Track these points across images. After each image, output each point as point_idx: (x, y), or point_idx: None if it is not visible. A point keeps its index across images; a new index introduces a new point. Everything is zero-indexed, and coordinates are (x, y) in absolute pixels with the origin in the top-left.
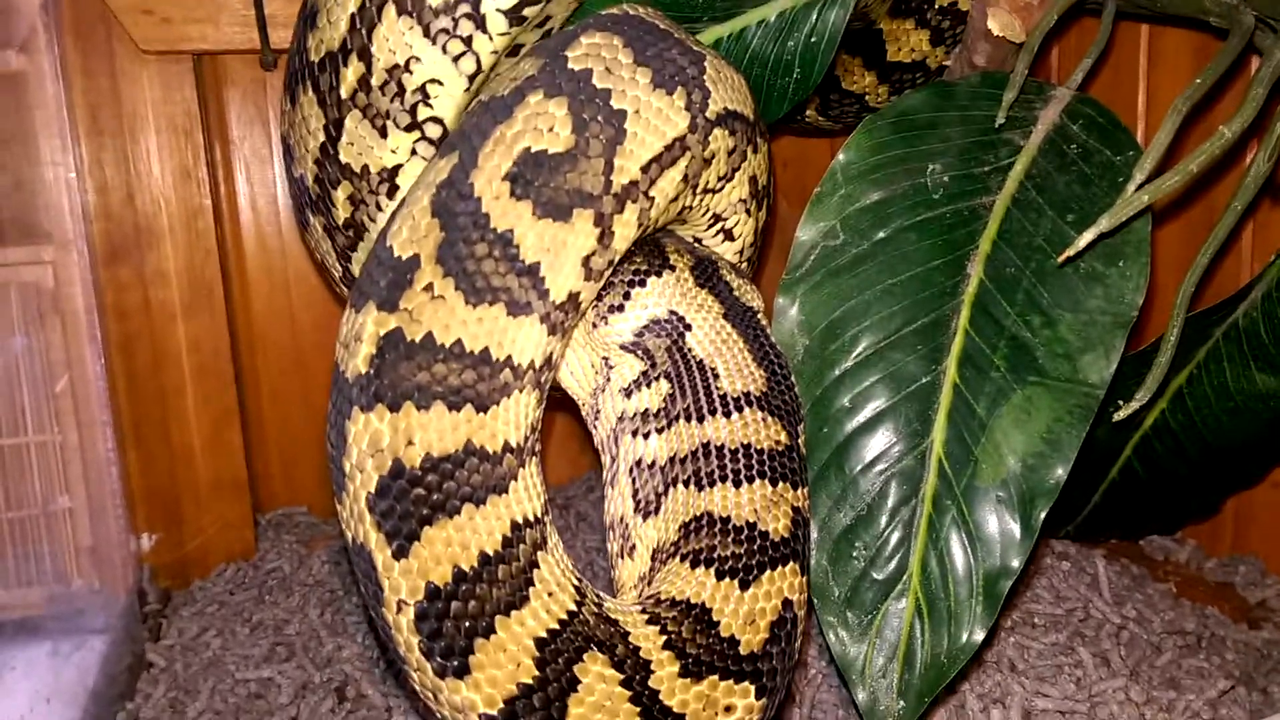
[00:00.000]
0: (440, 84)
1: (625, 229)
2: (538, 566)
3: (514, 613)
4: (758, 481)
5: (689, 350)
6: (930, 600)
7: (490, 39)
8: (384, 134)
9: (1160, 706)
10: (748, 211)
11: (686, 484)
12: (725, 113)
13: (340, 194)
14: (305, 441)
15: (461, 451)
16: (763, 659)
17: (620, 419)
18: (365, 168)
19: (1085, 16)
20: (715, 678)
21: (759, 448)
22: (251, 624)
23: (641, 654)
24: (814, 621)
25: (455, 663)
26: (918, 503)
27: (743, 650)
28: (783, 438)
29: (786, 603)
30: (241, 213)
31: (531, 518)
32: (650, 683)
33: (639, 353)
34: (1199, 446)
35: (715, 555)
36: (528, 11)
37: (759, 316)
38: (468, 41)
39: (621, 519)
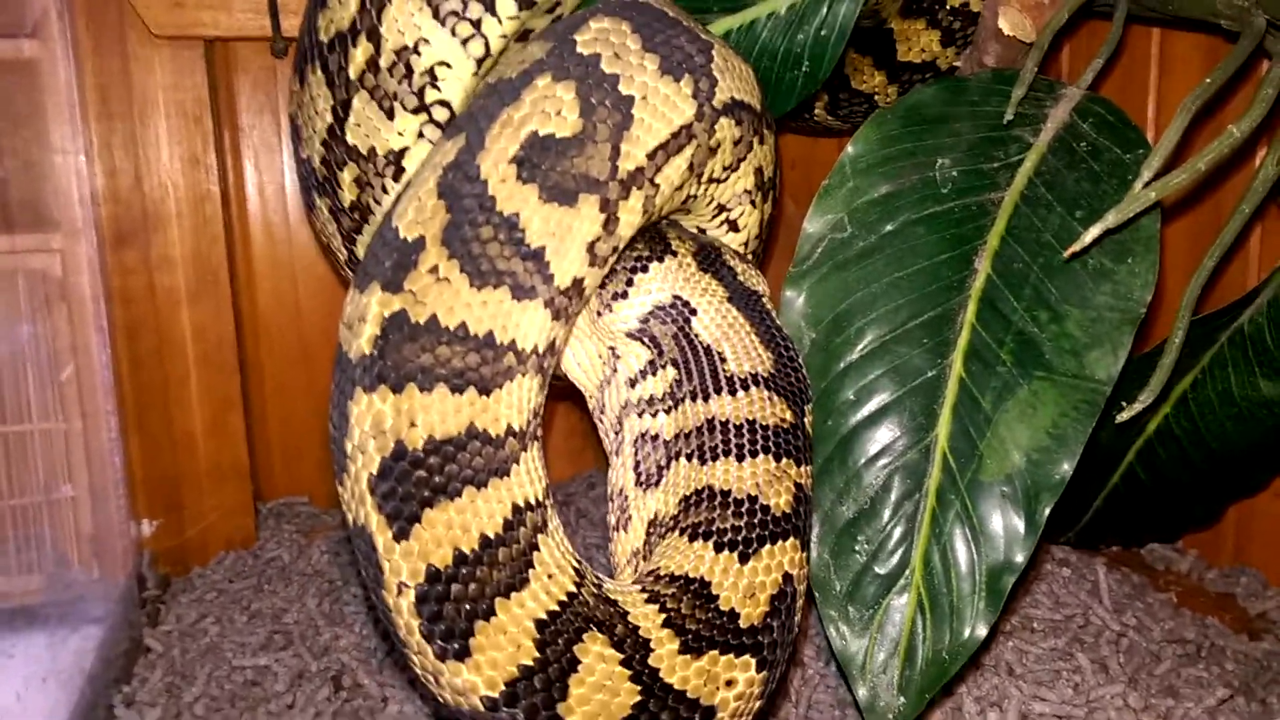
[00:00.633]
0: (448, 67)
1: (630, 215)
2: (538, 549)
3: (514, 595)
4: (761, 456)
5: (695, 335)
6: (932, 596)
7: (499, 22)
8: (391, 116)
9: (1158, 714)
10: (753, 203)
11: (689, 458)
12: (732, 102)
13: (347, 176)
14: (307, 431)
15: (464, 434)
16: (763, 632)
17: (625, 405)
18: (372, 150)
19: (1096, 18)
20: (715, 652)
21: (764, 424)
22: (250, 612)
23: (641, 633)
24: (812, 620)
25: (456, 645)
26: (921, 497)
27: (743, 623)
28: (788, 416)
29: (787, 577)
30: (249, 200)
31: (533, 501)
32: (650, 661)
33: (645, 340)
34: (1203, 453)
35: (714, 528)
36: None
37: (764, 300)
38: (477, 24)
39: (621, 490)
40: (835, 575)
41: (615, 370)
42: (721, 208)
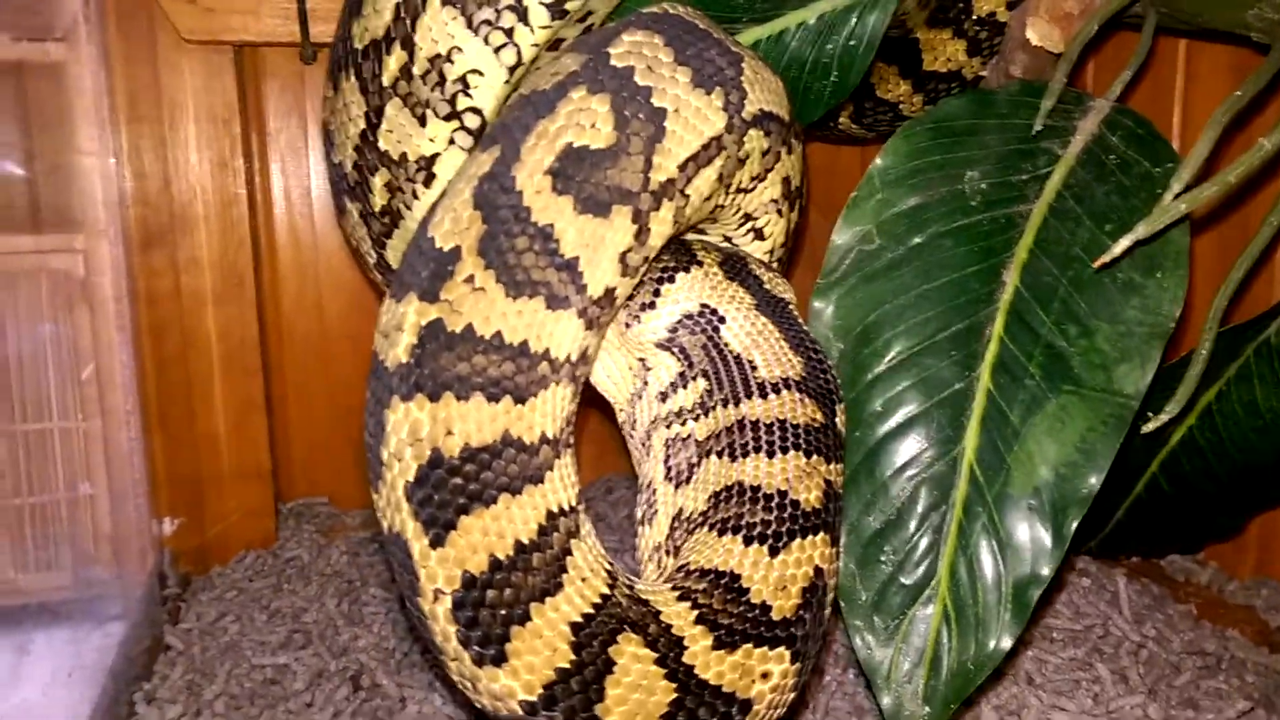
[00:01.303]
0: (481, 74)
1: (661, 226)
2: (571, 554)
3: (549, 599)
4: (791, 453)
5: (725, 345)
6: (958, 606)
7: (532, 31)
8: (423, 122)
9: None
10: (779, 212)
11: (720, 455)
12: (761, 114)
13: (378, 181)
14: (328, 433)
15: (499, 442)
16: (796, 624)
17: (655, 420)
18: (404, 155)
19: (1123, 30)
20: (750, 645)
21: (794, 423)
22: (269, 611)
23: (674, 631)
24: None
25: (493, 650)
26: (948, 509)
27: (775, 616)
28: (819, 416)
29: (818, 570)
30: (275, 204)
31: (566, 507)
32: (684, 658)
33: (675, 351)
34: (1227, 465)
35: (744, 522)
36: (570, 5)
37: (791, 307)
38: (509, 33)
39: (650, 484)
40: (861, 585)
41: (646, 383)
42: (748, 217)
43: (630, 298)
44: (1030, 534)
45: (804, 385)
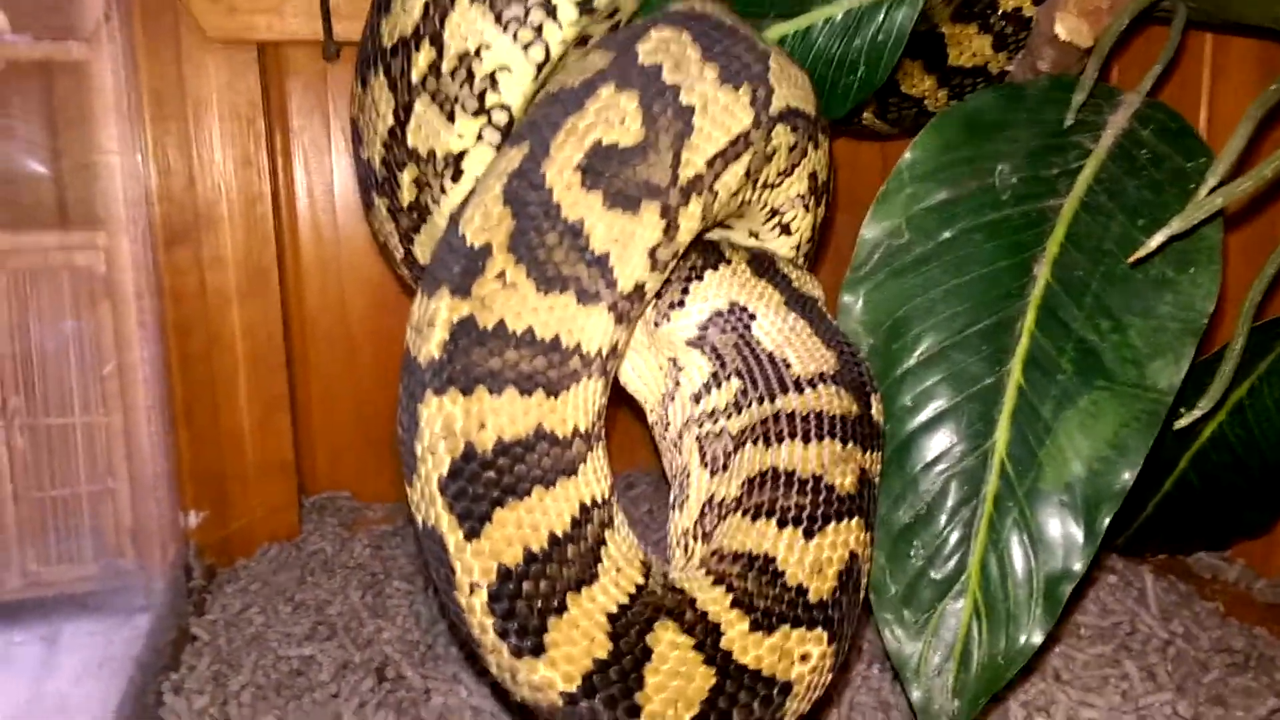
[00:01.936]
0: (509, 71)
1: (689, 221)
2: (605, 544)
3: (584, 590)
4: (827, 440)
5: (757, 343)
6: (989, 601)
7: (560, 28)
8: (451, 119)
9: None
10: (805, 207)
11: (754, 442)
12: (788, 109)
13: (406, 177)
14: (351, 427)
15: (532, 435)
16: (833, 606)
17: (688, 421)
18: (432, 152)
19: (1151, 25)
20: (787, 627)
21: (831, 414)
22: (294, 603)
23: (710, 617)
24: None
25: (530, 642)
26: (978, 503)
27: (812, 598)
28: (855, 408)
29: (853, 554)
30: (299, 201)
31: (599, 499)
32: (722, 644)
33: (706, 350)
34: (1257, 460)
35: (778, 506)
36: (598, 2)
37: (820, 304)
38: (538, 30)
39: (685, 468)
40: (891, 579)
41: (678, 383)
42: (775, 212)
43: (659, 296)
44: (1062, 529)
45: (839, 378)
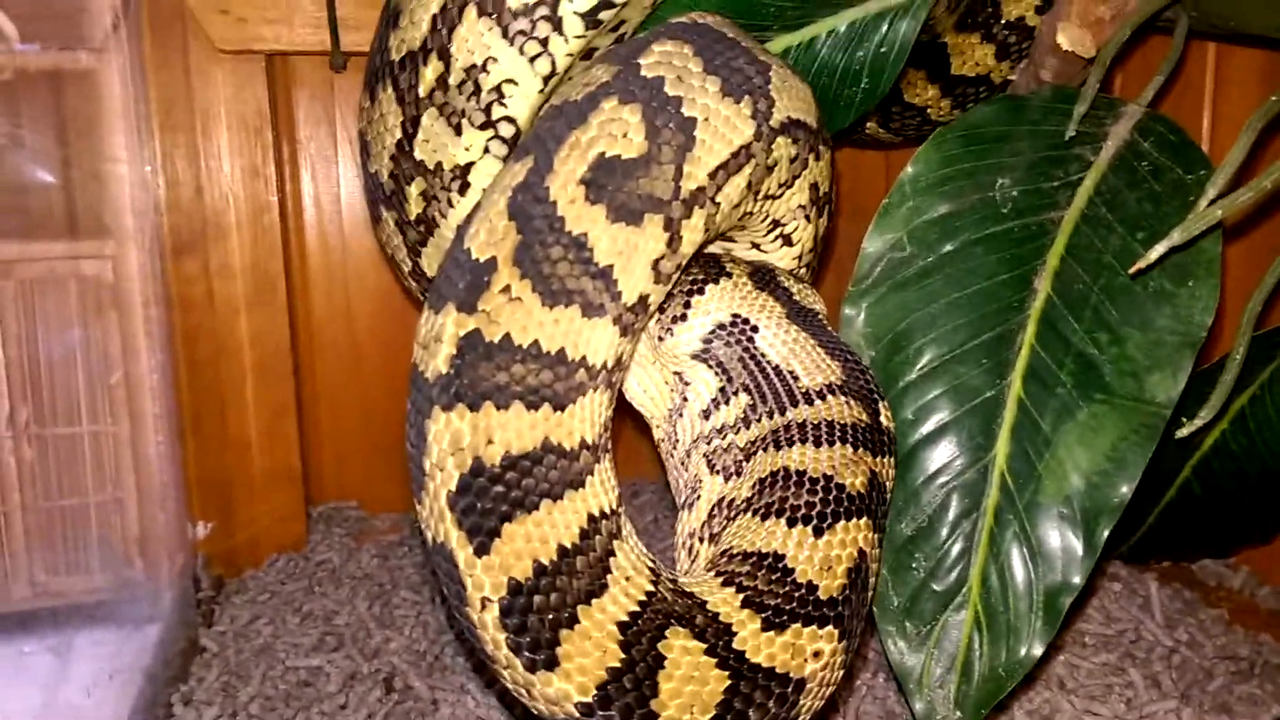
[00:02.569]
0: (515, 84)
1: (693, 234)
2: (614, 555)
3: (595, 601)
4: (839, 445)
5: (762, 356)
6: (989, 613)
7: (566, 41)
8: (459, 132)
9: None
10: (807, 218)
11: (766, 449)
12: (789, 121)
13: (414, 190)
14: (358, 437)
15: (539, 449)
16: (842, 604)
17: (697, 439)
18: (439, 164)
19: (1151, 35)
20: (798, 625)
21: (842, 422)
22: (302, 614)
23: (721, 618)
24: None
25: (543, 655)
26: (979, 516)
27: (822, 595)
28: (864, 417)
29: (861, 553)
30: (306, 211)
31: (607, 510)
32: (734, 645)
33: (712, 364)
34: (1259, 469)
35: (788, 505)
36: (603, 15)
37: (821, 317)
38: (544, 43)
39: (696, 475)
40: (893, 590)
41: (685, 399)
42: (777, 223)
43: (662, 311)
44: (1061, 542)
45: (847, 389)
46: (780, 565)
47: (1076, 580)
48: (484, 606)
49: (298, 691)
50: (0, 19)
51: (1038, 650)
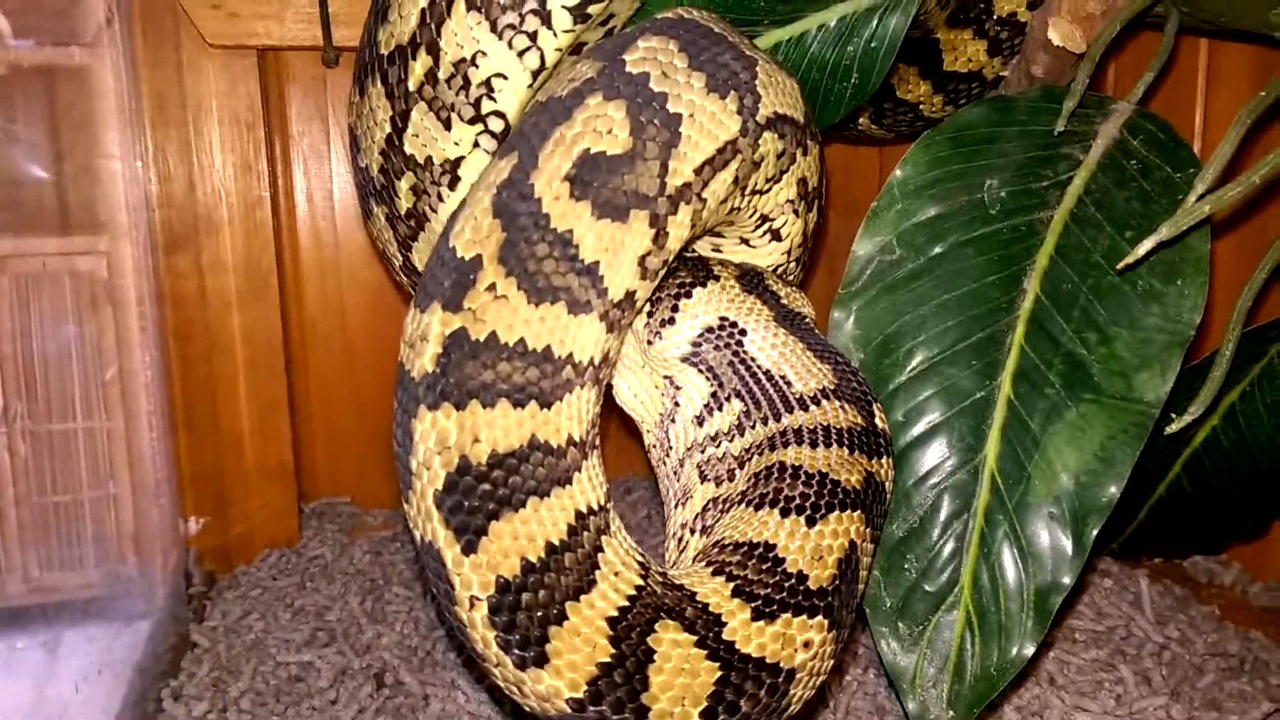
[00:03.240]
0: (505, 78)
1: (679, 230)
2: (602, 550)
3: (583, 597)
4: (835, 447)
5: (752, 360)
6: (981, 613)
7: (555, 35)
8: (448, 126)
9: None
10: (795, 212)
11: (760, 452)
12: (775, 116)
13: (404, 184)
14: (351, 432)
15: (526, 446)
16: (832, 594)
17: (691, 447)
18: (429, 159)
19: (1145, 30)
20: (789, 615)
21: (838, 426)
22: (293, 609)
23: (711, 609)
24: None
25: (533, 652)
26: (970, 517)
27: (812, 585)
28: (860, 420)
29: (852, 544)
30: (298, 206)
31: (595, 506)
32: (724, 635)
33: (702, 368)
34: (1250, 465)
35: (782, 496)
36: (592, 9)
37: (809, 321)
38: (533, 37)
39: (687, 487)
40: (885, 591)
41: (677, 403)
42: (765, 218)
43: (650, 314)
44: (1051, 542)
45: (840, 393)
46: (771, 555)
47: (1066, 580)
48: (472, 605)
49: (288, 687)
50: None
51: (1029, 650)
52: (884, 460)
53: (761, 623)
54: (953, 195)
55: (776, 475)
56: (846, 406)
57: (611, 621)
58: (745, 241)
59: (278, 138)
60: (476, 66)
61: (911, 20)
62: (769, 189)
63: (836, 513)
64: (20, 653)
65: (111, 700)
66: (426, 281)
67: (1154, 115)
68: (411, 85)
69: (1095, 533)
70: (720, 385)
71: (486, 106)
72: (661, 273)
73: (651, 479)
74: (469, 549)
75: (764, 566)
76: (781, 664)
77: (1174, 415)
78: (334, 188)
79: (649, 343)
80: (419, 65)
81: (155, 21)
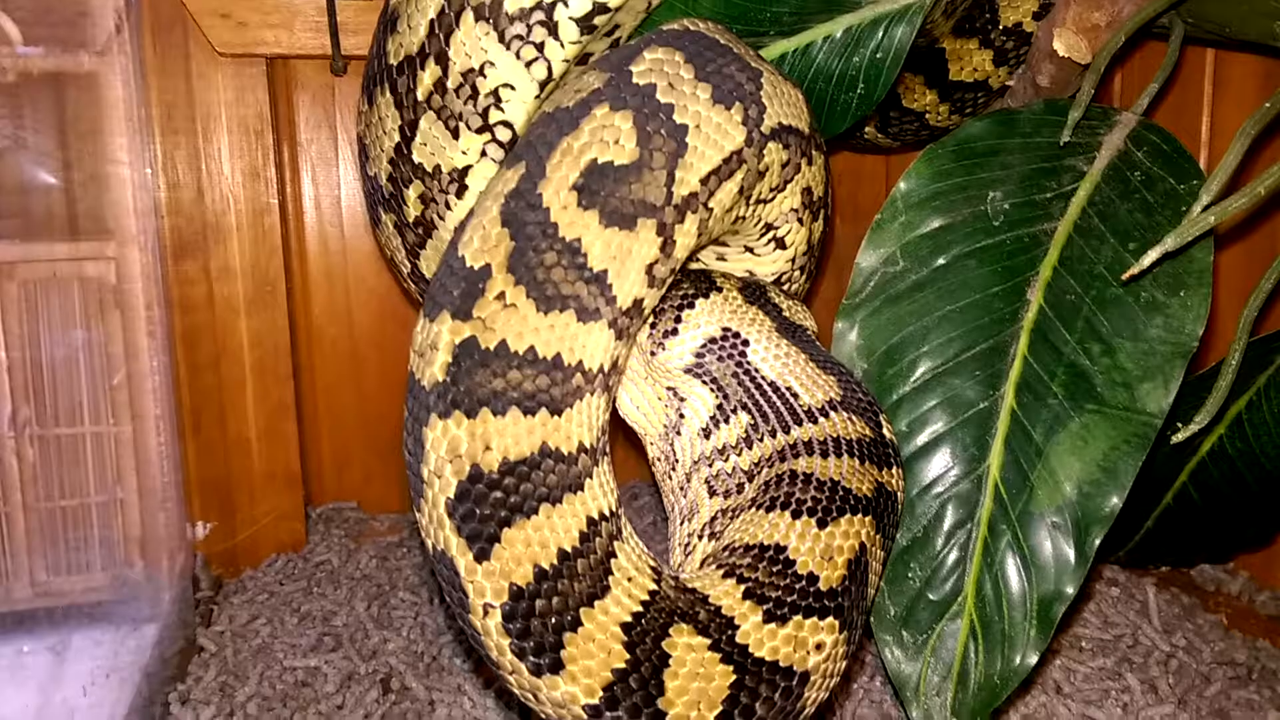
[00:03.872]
0: (512, 88)
1: (685, 238)
2: (615, 556)
3: (597, 603)
4: (846, 457)
5: (755, 370)
6: (985, 622)
7: (562, 46)
8: (456, 135)
9: None
10: (800, 221)
11: (770, 465)
12: (780, 127)
13: (412, 192)
14: (357, 438)
15: (537, 454)
16: (843, 595)
17: (698, 460)
18: (437, 167)
19: (1150, 40)
20: (800, 617)
21: (848, 438)
22: (300, 614)
23: (724, 612)
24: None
25: (548, 659)
26: (973, 526)
27: (823, 586)
28: (869, 431)
29: (863, 546)
30: (306, 213)
31: (607, 512)
32: (738, 639)
33: (706, 379)
34: (1256, 473)
35: (793, 499)
36: (598, 20)
37: (810, 333)
38: (540, 48)
39: (695, 502)
40: (890, 600)
41: (681, 415)
42: (769, 226)
43: (653, 325)
44: (1054, 551)
45: (847, 404)
46: (781, 557)
47: (1069, 590)
48: (486, 613)
49: (295, 692)
50: (3, 22)
51: (1032, 659)
52: (894, 470)
53: (774, 625)
54: (956, 207)
55: (788, 481)
56: (854, 418)
57: (626, 627)
58: (750, 249)
59: (286, 145)
60: (484, 76)
61: (918, 30)
62: (774, 198)
63: (848, 515)
64: (28, 656)
65: (118, 704)
66: (436, 291)
67: (1158, 126)
68: (420, 95)
69: (1098, 542)
70: (725, 397)
71: (494, 116)
72: (668, 281)
73: (657, 486)
74: (481, 556)
75: (774, 569)
76: (795, 667)
77: (1179, 425)
78: (342, 195)
79: (652, 353)
80: (428, 75)
81: (164, 30)
